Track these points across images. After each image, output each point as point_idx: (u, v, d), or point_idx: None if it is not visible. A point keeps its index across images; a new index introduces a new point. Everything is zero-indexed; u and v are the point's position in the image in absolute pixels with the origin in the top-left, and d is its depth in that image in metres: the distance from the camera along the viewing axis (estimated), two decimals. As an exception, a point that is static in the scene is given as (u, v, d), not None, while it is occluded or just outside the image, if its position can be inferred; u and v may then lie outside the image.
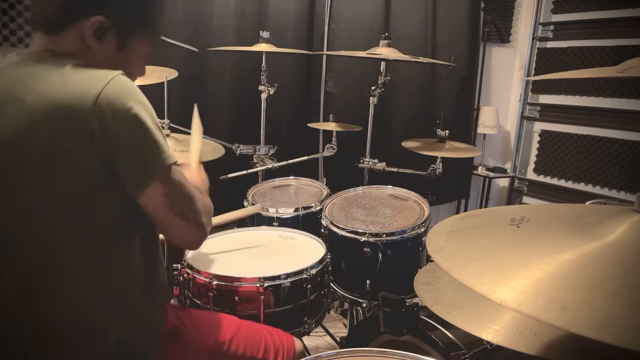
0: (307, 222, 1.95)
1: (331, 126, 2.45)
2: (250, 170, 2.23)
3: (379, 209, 1.93)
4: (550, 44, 3.21)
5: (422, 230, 1.78)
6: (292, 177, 2.33)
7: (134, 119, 0.84)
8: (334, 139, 2.43)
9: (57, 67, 0.88)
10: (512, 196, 3.49)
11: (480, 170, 3.35)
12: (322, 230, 1.83)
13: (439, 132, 2.38)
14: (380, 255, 1.73)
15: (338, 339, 2.13)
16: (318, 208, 1.98)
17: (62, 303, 0.89)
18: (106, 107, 0.82)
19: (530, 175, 3.37)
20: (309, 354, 1.07)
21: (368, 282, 1.74)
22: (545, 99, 3.25)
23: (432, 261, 0.94)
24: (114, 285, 0.94)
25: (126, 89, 0.86)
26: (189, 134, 2.20)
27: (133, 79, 1.05)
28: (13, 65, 0.91)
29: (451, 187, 3.24)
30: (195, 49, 1.14)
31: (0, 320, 0.89)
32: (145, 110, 0.86)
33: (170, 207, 0.91)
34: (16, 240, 0.86)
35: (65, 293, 0.89)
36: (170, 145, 1.02)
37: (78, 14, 0.92)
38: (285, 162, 2.29)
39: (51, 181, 0.84)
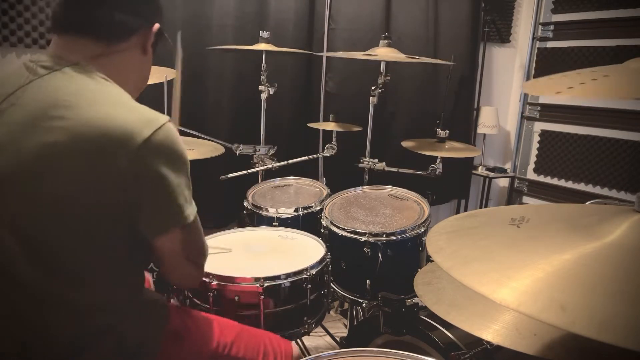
0: (307, 222, 1.95)
1: (331, 126, 2.45)
2: (250, 170, 2.23)
3: (379, 209, 1.93)
4: (550, 44, 3.21)
5: (422, 230, 1.78)
6: (292, 177, 2.33)
7: (172, 165, 0.85)
8: (334, 139, 2.43)
9: (107, 88, 0.89)
10: (512, 196, 3.49)
11: (480, 170, 3.35)
12: (322, 230, 1.83)
13: (439, 132, 2.38)
14: (380, 255, 1.73)
15: (338, 339, 2.13)
16: (318, 208, 1.98)
17: (62, 305, 0.89)
18: (150, 152, 0.82)
19: (530, 175, 3.37)
20: (309, 354, 1.08)
21: (368, 282, 1.74)
22: (545, 99, 3.25)
23: (432, 261, 0.94)
24: (115, 287, 0.94)
25: (174, 137, 0.87)
26: (189, 134, 2.22)
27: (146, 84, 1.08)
28: (55, 74, 0.87)
29: (451, 187, 3.24)
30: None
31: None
32: (183, 162, 0.88)
33: (183, 252, 0.95)
34: (20, 243, 0.86)
35: (66, 295, 0.88)
36: None
37: (147, 20, 0.97)
38: (285, 162, 2.29)
39: (61, 201, 0.82)
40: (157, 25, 0.99)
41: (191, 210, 0.91)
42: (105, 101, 0.85)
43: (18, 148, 0.81)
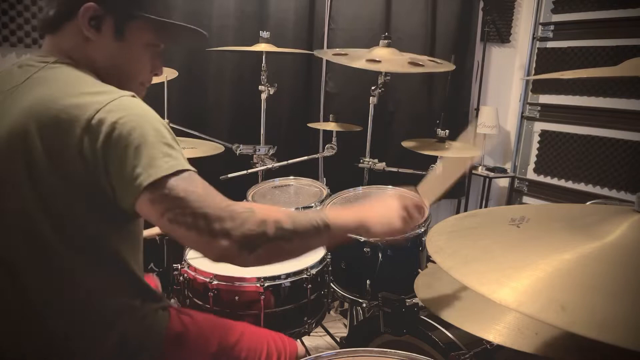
0: (307, 222, 1.94)
1: (331, 126, 2.45)
2: (250, 170, 2.23)
3: (379, 209, 1.92)
4: (550, 44, 3.21)
5: (422, 230, 1.78)
6: (292, 177, 2.33)
7: (116, 141, 0.81)
8: (334, 139, 2.43)
9: (65, 75, 0.89)
10: (512, 196, 3.49)
11: (480, 170, 3.35)
12: (322, 230, 1.83)
13: (439, 132, 2.38)
14: (380, 255, 1.73)
15: (338, 339, 2.13)
16: (318, 208, 1.98)
17: (62, 304, 0.89)
18: (101, 121, 0.81)
19: (530, 175, 3.36)
20: (309, 354, 1.07)
21: (368, 282, 1.74)
22: (545, 99, 3.25)
23: (432, 261, 0.95)
24: (115, 287, 0.94)
25: (127, 107, 0.84)
26: (189, 134, 2.22)
27: (144, 76, 1.03)
28: (22, 68, 0.91)
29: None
30: (204, 32, 1.09)
31: None
32: (140, 128, 0.83)
33: (161, 215, 0.82)
34: (15, 241, 0.86)
35: (65, 294, 0.88)
36: None
37: (71, 5, 0.91)
38: (285, 162, 2.29)
39: (51, 183, 0.83)
40: (86, 6, 0.90)
41: (148, 176, 0.80)
42: (59, 83, 0.87)
43: None
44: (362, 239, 1.70)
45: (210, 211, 0.82)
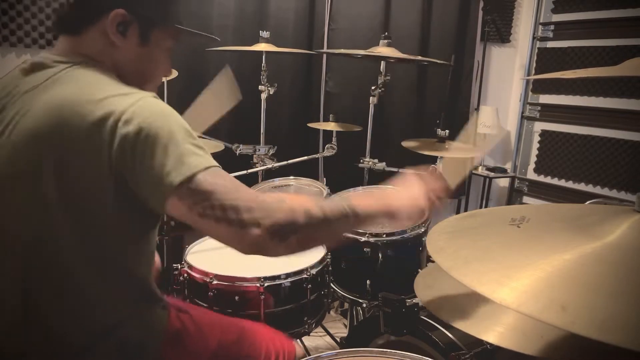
0: (307, 222, 1.94)
1: (331, 126, 2.45)
2: (250, 170, 2.22)
3: (379, 209, 1.92)
4: (550, 44, 3.21)
5: (422, 230, 1.78)
6: (292, 177, 2.32)
7: (144, 140, 0.82)
8: (334, 139, 2.42)
9: (85, 75, 0.89)
10: (512, 196, 3.49)
11: (480, 170, 3.35)
12: (322, 230, 1.83)
13: (439, 132, 2.38)
14: (380, 255, 1.73)
15: (338, 339, 2.13)
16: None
17: (65, 304, 0.89)
18: (127, 122, 0.82)
19: (531, 175, 3.36)
20: (309, 354, 1.07)
21: (368, 282, 1.74)
22: (545, 99, 3.25)
23: (432, 261, 0.94)
24: (118, 286, 0.94)
25: (152, 108, 0.86)
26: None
27: (159, 78, 1.07)
28: (39, 69, 0.91)
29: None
30: (218, 39, 1.12)
31: (0, 321, 0.89)
32: (165, 129, 0.84)
33: (198, 216, 0.82)
34: (20, 240, 0.86)
35: (68, 294, 0.88)
36: None
37: (98, 10, 0.92)
38: (285, 162, 2.28)
39: (64, 184, 0.83)
40: (115, 12, 0.92)
41: (179, 173, 0.81)
42: (79, 84, 0.87)
43: (10, 142, 0.84)
44: (363, 238, 1.70)
45: (240, 202, 0.83)
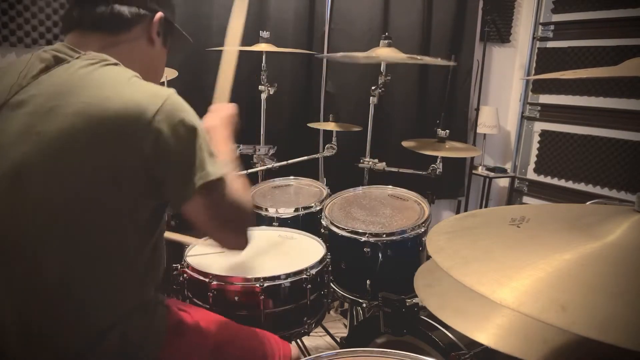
0: (307, 222, 1.94)
1: (331, 126, 2.45)
2: (250, 170, 2.23)
3: (379, 209, 1.93)
4: (550, 44, 3.21)
5: (422, 230, 1.78)
6: (292, 177, 2.33)
7: (186, 134, 0.86)
8: (334, 139, 2.43)
9: (112, 72, 0.90)
10: (512, 196, 3.49)
11: (480, 170, 3.35)
12: (322, 230, 1.83)
13: (439, 132, 2.38)
14: (380, 255, 1.73)
15: (338, 339, 2.13)
16: (318, 208, 1.98)
17: (64, 304, 0.89)
18: (162, 124, 0.84)
19: (531, 175, 3.37)
20: (309, 354, 1.07)
21: (368, 282, 1.74)
22: (545, 99, 3.25)
23: (432, 261, 0.94)
24: (121, 285, 0.94)
25: (181, 106, 0.88)
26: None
27: (161, 76, 1.14)
28: (66, 67, 0.89)
29: (447, 186, 3.26)
30: (191, 41, 1.18)
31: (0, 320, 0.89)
32: (193, 128, 0.88)
33: (212, 218, 0.93)
34: (25, 238, 0.86)
35: (68, 294, 0.88)
36: None
37: (148, 11, 0.99)
38: (285, 162, 2.29)
39: (83, 185, 0.83)
40: (159, 14, 1.01)
41: (207, 174, 0.87)
42: (113, 82, 0.87)
43: (39, 137, 0.83)
44: (362, 239, 1.70)
45: (247, 216, 0.99)
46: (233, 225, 0.96)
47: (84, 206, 0.84)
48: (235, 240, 0.99)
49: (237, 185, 0.96)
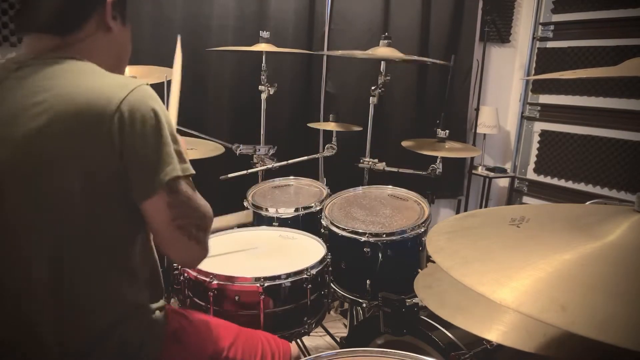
0: (307, 222, 1.95)
1: (331, 126, 2.45)
2: (250, 170, 2.23)
3: (379, 209, 1.93)
4: (550, 44, 3.21)
5: (422, 230, 1.78)
6: (292, 177, 2.33)
7: (151, 124, 0.84)
8: (334, 139, 2.43)
9: (76, 66, 0.88)
10: (512, 196, 3.49)
11: (480, 170, 3.35)
12: (322, 230, 1.83)
13: (439, 132, 2.38)
14: (380, 255, 1.73)
15: (338, 339, 2.13)
16: (318, 208, 1.98)
17: (64, 304, 0.89)
18: (127, 111, 0.82)
19: (531, 175, 3.37)
20: (309, 354, 1.07)
21: (368, 282, 1.74)
22: (545, 99, 3.25)
23: (432, 261, 0.94)
24: (118, 287, 0.94)
25: (149, 97, 0.86)
26: (189, 134, 2.21)
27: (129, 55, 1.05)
28: (25, 69, 0.88)
29: (447, 186, 3.26)
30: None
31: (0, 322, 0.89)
32: (163, 118, 0.86)
33: (173, 220, 0.88)
34: (20, 241, 0.86)
35: (68, 295, 0.88)
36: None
37: (94, 3, 0.92)
38: (285, 162, 2.29)
39: (62, 181, 0.83)
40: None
41: (172, 170, 0.85)
42: (76, 76, 0.86)
43: (6, 143, 0.83)
44: (362, 239, 1.70)
45: (207, 223, 0.94)
46: (194, 230, 0.90)
47: (66, 198, 0.83)
48: (192, 249, 0.93)
49: (200, 198, 0.93)
